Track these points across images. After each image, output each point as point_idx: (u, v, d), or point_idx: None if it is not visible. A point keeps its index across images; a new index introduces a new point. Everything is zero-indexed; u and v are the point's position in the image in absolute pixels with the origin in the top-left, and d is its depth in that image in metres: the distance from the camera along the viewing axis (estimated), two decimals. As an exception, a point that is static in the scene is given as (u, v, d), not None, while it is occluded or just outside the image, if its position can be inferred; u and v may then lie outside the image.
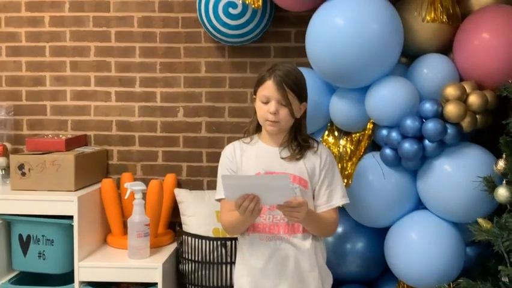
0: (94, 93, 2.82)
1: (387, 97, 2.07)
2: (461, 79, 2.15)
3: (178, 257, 2.58)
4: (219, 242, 2.44)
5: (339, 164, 2.20)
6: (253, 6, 2.41)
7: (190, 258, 2.48)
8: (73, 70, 2.82)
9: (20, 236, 2.39)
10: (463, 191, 1.98)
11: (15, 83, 2.83)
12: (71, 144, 2.60)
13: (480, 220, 1.86)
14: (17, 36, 2.82)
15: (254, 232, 1.85)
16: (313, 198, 1.88)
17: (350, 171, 2.19)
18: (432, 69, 2.14)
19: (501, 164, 1.86)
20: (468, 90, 2.06)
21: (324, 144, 2.23)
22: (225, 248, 2.43)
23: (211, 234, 2.51)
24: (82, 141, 2.77)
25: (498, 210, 1.93)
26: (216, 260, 2.44)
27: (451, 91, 2.03)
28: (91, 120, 2.82)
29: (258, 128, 1.94)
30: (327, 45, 2.09)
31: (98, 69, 2.81)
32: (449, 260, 2.06)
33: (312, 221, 1.81)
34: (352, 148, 2.25)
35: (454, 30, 2.20)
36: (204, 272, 2.46)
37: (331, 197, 1.88)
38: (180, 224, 2.63)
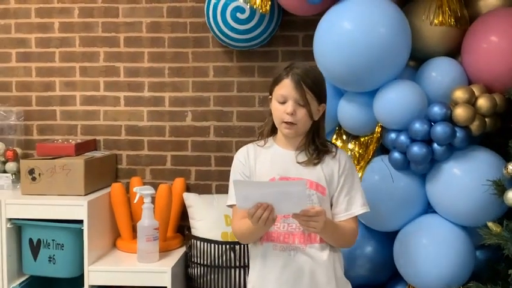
0: (103, 98, 2.83)
1: (396, 100, 2.07)
2: (470, 82, 2.15)
3: (187, 261, 2.58)
4: (227, 246, 2.44)
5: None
6: (261, 10, 2.42)
7: (199, 262, 2.48)
8: (82, 75, 2.84)
9: (31, 240, 2.41)
10: (472, 194, 1.97)
11: (25, 89, 2.86)
12: (80, 148, 2.62)
13: (490, 224, 1.85)
14: (27, 42, 2.85)
15: (267, 241, 1.74)
16: (331, 206, 1.78)
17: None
18: (440, 72, 2.13)
19: (511, 167, 1.85)
20: (477, 93, 2.05)
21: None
22: (233, 252, 2.44)
23: (219, 238, 2.51)
24: (92, 145, 2.78)
25: (508, 214, 1.92)
26: (224, 264, 2.44)
27: (460, 94, 2.03)
28: (100, 125, 2.84)
29: (274, 131, 1.83)
30: (334, 49, 2.09)
31: (107, 74, 2.83)
32: (458, 264, 2.05)
33: (330, 231, 1.69)
34: (360, 152, 2.25)
35: (462, 34, 2.20)
36: (212, 276, 2.46)
37: (350, 205, 1.76)
38: (189, 228, 2.64)
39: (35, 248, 2.40)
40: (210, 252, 2.45)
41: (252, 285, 1.81)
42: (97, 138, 2.84)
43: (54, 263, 2.39)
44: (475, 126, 2.02)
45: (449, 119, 2.01)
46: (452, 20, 2.16)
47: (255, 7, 2.42)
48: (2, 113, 2.76)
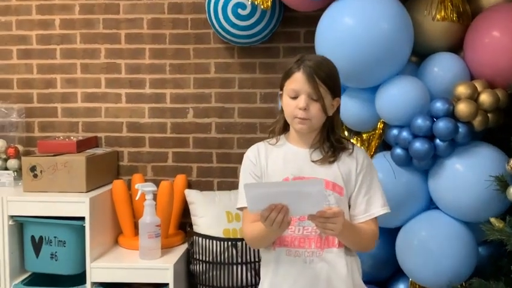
0: (105, 95, 2.83)
1: (398, 96, 2.06)
2: (472, 78, 2.14)
3: (189, 257, 2.58)
4: (229, 243, 2.44)
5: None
6: (262, 6, 2.41)
7: (201, 258, 2.48)
8: (84, 72, 2.83)
9: (33, 237, 2.41)
10: (475, 190, 1.97)
11: (26, 86, 2.86)
12: (82, 145, 2.62)
13: (492, 219, 1.85)
14: (28, 39, 2.84)
15: (280, 246, 1.61)
16: (349, 207, 1.67)
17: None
18: (442, 68, 2.13)
19: (513, 162, 1.85)
20: (479, 88, 2.04)
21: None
22: (235, 248, 2.44)
23: (221, 235, 2.51)
24: (93, 142, 2.78)
25: (510, 210, 1.92)
26: (226, 261, 2.44)
27: (462, 90, 2.02)
28: (102, 121, 2.83)
29: (285, 129, 1.71)
30: (336, 45, 2.08)
31: (108, 71, 2.82)
32: (461, 260, 2.05)
33: (348, 234, 1.57)
34: (362, 148, 2.25)
35: (465, 29, 2.19)
36: (214, 273, 2.46)
37: (370, 206, 1.65)
38: (191, 225, 2.64)
39: (37, 245, 2.40)
40: (212, 248, 2.45)
41: None
42: (98, 135, 2.83)
43: (56, 260, 2.40)
44: (477, 122, 2.01)
45: (451, 114, 2.00)
46: (455, 15, 2.16)
47: (256, 3, 2.42)
48: (3, 110, 2.76)
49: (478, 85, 2.05)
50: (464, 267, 2.05)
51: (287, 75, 1.62)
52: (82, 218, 2.36)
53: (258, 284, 1.74)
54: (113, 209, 2.61)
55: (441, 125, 1.98)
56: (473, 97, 2.02)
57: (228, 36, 2.61)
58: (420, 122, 2.02)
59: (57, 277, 2.44)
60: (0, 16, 2.84)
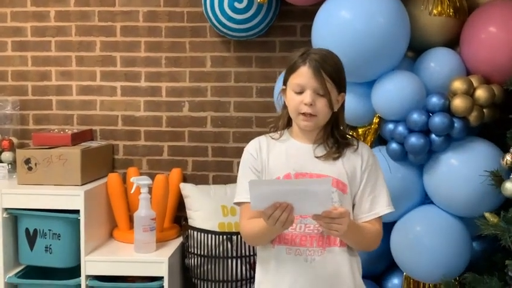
0: (100, 88, 2.82)
1: (394, 91, 2.06)
2: (468, 73, 2.14)
3: (183, 251, 2.58)
4: (224, 237, 2.44)
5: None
6: (258, 0, 2.40)
7: (195, 252, 2.48)
8: (79, 65, 2.82)
9: (27, 230, 2.40)
10: (470, 185, 1.98)
11: (21, 78, 2.84)
12: (77, 138, 2.61)
13: (487, 214, 1.85)
14: (23, 30, 2.82)
15: (280, 244, 1.56)
16: (354, 205, 1.62)
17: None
18: (439, 63, 2.13)
19: (508, 158, 1.85)
20: (475, 84, 2.05)
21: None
22: (230, 242, 2.44)
23: (216, 229, 2.51)
24: (88, 135, 2.77)
25: (505, 205, 1.92)
26: (221, 255, 2.44)
27: (458, 85, 2.02)
28: (97, 114, 2.82)
29: (288, 124, 1.67)
30: (333, 39, 2.07)
31: (103, 63, 2.81)
32: (455, 255, 2.05)
33: (353, 234, 1.53)
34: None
35: (461, 24, 2.19)
36: (209, 266, 2.47)
37: (375, 204, 1.60)
38: (186, 219, 2.63)
39: (32, 238, 2.40)
40: (207, 242, 2.45)
41: None
42: (94, 128, 2.82)
43: (50, 253, 2.39)
44: (473, 117, 2.01)
45: (447, 109, 2.01)
46: (451, 10, 2.16)
47: (252, -4, 2.41)
48: (-2, 103, 2.75)
49: (474, 80, 2.05)
50: (458, 261, 2.06)
51: (292, 69, 1.57)
52: (77, 211, 2.35)
53: (253, 278, 1.72)
54: (108, 202, 2.60)
55: (437, 119, 1.98)
56: (469, 92, 2.02)
57: (224, 30, 2.60)
58: (416, 116, 2.02)
59: (52, 270, 2.44)
60: (-6, 8, 2.83)
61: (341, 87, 1.58)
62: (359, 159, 1.61)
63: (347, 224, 1.45)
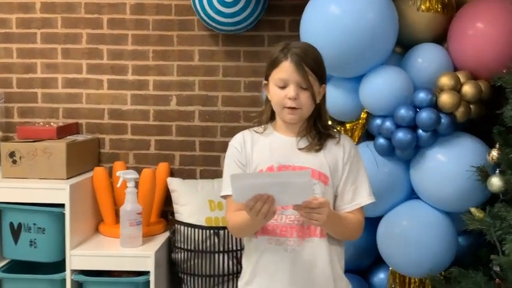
0: (86, 81, 2.79)
1: (382, 86, 2.07)
2: (456, 69, 2.15)
3: (170, 245, 2.57)
4: (211, 231, 2.43)
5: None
6: (247, -7, 2.39)
7: (182, 247, 2.47)
8: (65, 57, 2.79)
9: (11, 224, 2.37)
10: (456, 180, 1.99)
11: (5, 70, 2.80)
12: (62, 132, 2.58)
13: (473, 209, 1.86)
14: (7, 22, 2.78)
15: (263, 234, 1.60)
16: (336, 197, 1.65)
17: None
18: (426, 58, 2.13)
19: (494, 153, 1.87)
20: (462, 80, 2.05)
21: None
22: (217, 237, 2.43)
23: (203, 223, 2.50)
24: (74, 129, 2.74)
25: (491, 200, 1.94)
26: (208, 249, 2.44)
27: (445, 81, 2.03)
28: (83, 108, 2.80)
29: (272, 118, 1.70)
30: (321, 34, 2.07)
31: (90, 56, 2.78)
32: (441, 249, 2.07)
33: (333, 224, 1.56)
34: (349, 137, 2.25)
35: (449, 20, 2.19)
36: (196, 261, 2.46)
37: (356, 195, 1.63)
38: (173, 213, 2.62)
39: (16, 232, 2.37)
40: (194, 237, 2.44)
41: (246, 280, 1.66)
42: (79, 121, 2.79)
43: (35, 247, 2.37)
44: (459, 113, 2.02)
45: (434, 105, 2.01)
46: (439, 5, 2.16)
47: (241, -10, 2.40)
48: (-18, 95, 2.71)
49: (461, 76, 2.06)
50: (444, 256, 2.07)
51: (273, 64, 1.59)
52: (62, 205, 2.33)
53: (240, 273, 1.73)
54: (94, 197, 2.58)
55: (424, 115, 1.99)
56: (456, 88, 2.03)
57: (213, 24, 2.58)
58: (403, 112, 2.02)
59: (37, 264, 2.42)
60: (-22, -2, 2.78)
61: (322, 79, 1.62)
62: (340, 151, 1.64)
63: (326, 213, 1.48)
